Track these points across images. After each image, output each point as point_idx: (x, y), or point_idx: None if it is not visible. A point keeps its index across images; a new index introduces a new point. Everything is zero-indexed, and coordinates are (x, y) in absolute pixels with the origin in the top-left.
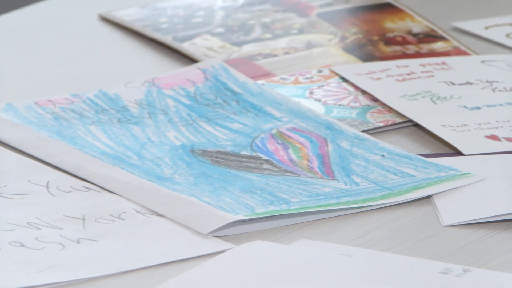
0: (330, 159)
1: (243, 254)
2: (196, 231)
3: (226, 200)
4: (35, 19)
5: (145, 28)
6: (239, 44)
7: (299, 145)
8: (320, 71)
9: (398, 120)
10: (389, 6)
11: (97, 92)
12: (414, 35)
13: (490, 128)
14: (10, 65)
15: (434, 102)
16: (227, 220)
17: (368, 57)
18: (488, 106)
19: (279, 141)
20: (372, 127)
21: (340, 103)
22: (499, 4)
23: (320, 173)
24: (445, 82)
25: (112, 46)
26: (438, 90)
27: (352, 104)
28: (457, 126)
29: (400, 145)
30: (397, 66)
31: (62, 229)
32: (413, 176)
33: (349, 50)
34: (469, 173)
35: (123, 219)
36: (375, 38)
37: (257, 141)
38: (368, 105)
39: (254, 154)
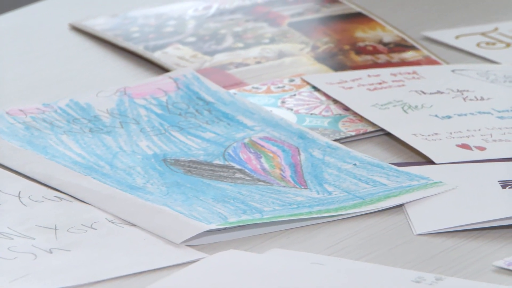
0: (303, 168)
1: (216, 263)
2: (169, 240)
3: (199, 209)
4: (5, 28)
5: (116, 37)
6: (211, 53)
7: (271, 154)
8: (292, 80)
9: (370, 129)
10: (360, 15)
11: (68, 101)
12: (385, 44)
13: (461, 137)
14: None
15: (405, 111)
16: (200, 230)
17: (340, 67)
18: (459, 115)
19: (252, 150)
20: (344, 136)
21: (312, 112)
22: (469, 14)
23: (292, 182)
24: (416, 91)
25: (83, 55)
26: (409, 99)
27: (324, 113)
28: (429, 135)
29: (372, 154)
30: (368, 76)
31: (34, 239)
32: (385, 185)
33: (320, 59)
34: (441, 181)
35: (95, 229)
36: (346, 47)
37: (230, 150)
38: (340, 114)
39: (226, 163)
